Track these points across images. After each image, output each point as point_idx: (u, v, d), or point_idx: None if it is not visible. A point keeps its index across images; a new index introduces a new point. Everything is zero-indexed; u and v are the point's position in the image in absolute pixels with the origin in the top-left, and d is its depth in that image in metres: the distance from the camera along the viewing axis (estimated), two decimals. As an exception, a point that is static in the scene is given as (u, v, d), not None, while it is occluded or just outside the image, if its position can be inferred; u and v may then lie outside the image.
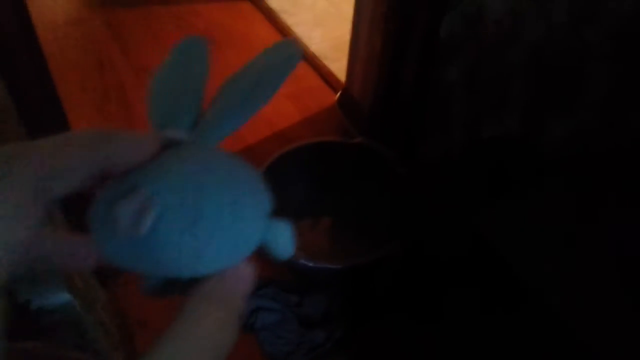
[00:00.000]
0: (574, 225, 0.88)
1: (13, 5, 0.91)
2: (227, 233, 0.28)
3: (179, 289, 0.28)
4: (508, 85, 1.02)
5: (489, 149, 1.08)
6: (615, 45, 0.82)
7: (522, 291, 0.93)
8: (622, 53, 0.81)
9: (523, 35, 0.97)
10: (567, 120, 0.91)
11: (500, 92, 1.04)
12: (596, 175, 0.85)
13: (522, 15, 0.97)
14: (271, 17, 2.00)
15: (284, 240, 0.31)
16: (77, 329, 0.69)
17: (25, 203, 0.19)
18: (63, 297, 0.64)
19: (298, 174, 1.32)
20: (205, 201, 0.28)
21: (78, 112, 1.59)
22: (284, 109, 1.68)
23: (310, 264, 1.09)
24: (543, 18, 0.92)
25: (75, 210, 0.37)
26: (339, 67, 1.74)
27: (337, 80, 1.73)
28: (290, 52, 0.33)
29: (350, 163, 1.34)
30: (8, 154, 0.20)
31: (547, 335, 0.88)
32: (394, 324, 1.14)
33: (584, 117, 0.88)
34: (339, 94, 1.66)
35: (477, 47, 1.08)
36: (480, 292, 1.04)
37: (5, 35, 0.89)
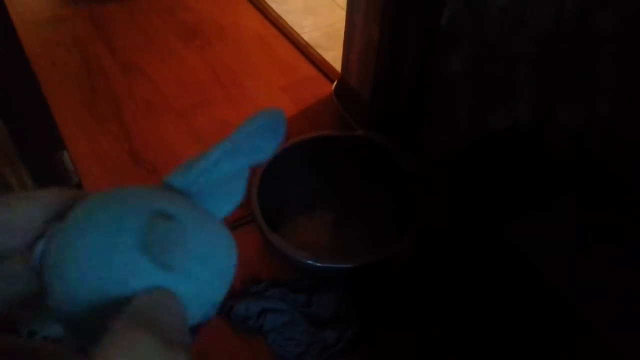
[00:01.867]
0: (597, 229, 0.86)
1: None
2: None
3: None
4: (515, 74, 0.99)
5: (497, 139, 1.06)
6: (629, 30, 0.79)
7: (550, 299, 0.91)
8: (636, 38, 0.78)
9: (530, 21, 0.94)
10: (578, 110, 0.89)
11: (507, 80, 1.01)
12: (619, 170, 0.83)
13: (529, 1, 0.93)
14: (261, 7, 1.94)
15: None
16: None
17: None
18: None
19: (299, 170, 1.29)
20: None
21: (66, 112, 1.54)
22: (279, 101, 1.65)
23: (319, 265, 1.07)
24: (551, 3, 0.89)
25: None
26: (333, 56, 1.70)
27: (333, 70, 1.69)
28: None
29: (352, 157, 1.31)
30: None
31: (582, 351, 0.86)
32: (406, 322, 1.12)
33: (596, 107, 0.86)
34: (335, 84, 1.62)
35: (480, 34, 1.05)
36: (500, 297, 1.02)
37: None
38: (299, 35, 1.83)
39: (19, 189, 0.98)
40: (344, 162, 1.31)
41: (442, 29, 1.12)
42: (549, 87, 0.95)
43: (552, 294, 0.87)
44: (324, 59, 1.74)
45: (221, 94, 1.64)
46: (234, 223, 1.24)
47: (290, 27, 1.86)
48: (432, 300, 1.13)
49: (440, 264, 1.14)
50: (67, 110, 1.54)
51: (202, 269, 0.29)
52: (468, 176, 1.11)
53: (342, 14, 1.48)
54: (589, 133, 0.88)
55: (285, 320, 1.12)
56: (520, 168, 1.00)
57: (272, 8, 1.93)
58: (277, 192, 1.22)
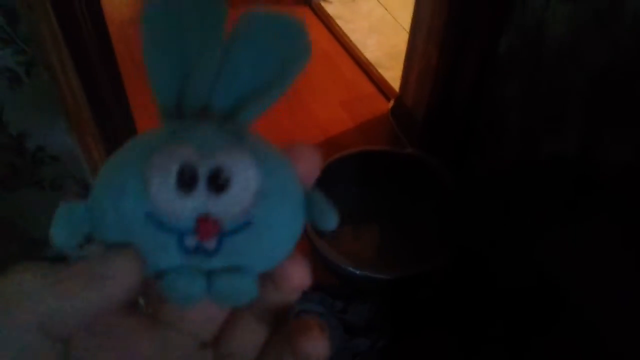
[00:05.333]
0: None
1: (89, 8, 0.95)
2: (293, 208, 0.27)
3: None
4: (567, 104, 1.01)
5: (544, 166, 1.08)
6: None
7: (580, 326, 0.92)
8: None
9: (584, 55, 0.96)
10: (626, 143, 0.90)
11: (559, 109, 1.04)
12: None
13: (585, 35, 0.96)
14: (329, 23, 2.03)
15: (324, 207, 0.28)
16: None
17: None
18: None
19: (348, 182, 1.34)
20: (287, 180, 0.27)
21: (145, 111, 1.66)
22: (337, 116, 1.71)
23: (358, 272, 1.12)
24: (607, 38, 0.91)
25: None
26: (393, 75, 1.76)
27: (391, 89, 1.74)
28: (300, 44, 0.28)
29: (400, 173, 1.36)
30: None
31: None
32: (436, 337, 1.15)
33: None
34: (392, 102, 1.68)
35: (535, 64, 1.08)
36: (535, 320, 1.03)
37: (82, 36, 0.93)
38: (362, 53, 1.90)
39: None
40: (392, 177, 1.36)
41: (499, 57, 1.16)
42: (598, 120, 0.96)
43: (576, 313, 0.88)
44: (383, 78, 1.80)
45: (282, 105, 1.72)
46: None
47: (354, 45, 1.94)
48: (462, 310, 1.15)
49: (473, 280, 1.16)
50: (141, 109, 1.67)
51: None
52: (510, 200, 1.13)
53: (405, 36, 1.53)
54: (637, 165, 0.89)
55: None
56: (563, 195, 1.01)
57: (339, 26, 2.02)
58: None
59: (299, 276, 0.25)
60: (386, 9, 2.13)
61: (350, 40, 1.95)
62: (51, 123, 0.67)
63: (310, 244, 1.16)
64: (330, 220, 0.27)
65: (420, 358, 1.13)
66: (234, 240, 0.25)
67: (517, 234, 1.12)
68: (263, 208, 0.26)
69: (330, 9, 2.10)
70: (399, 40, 1.88)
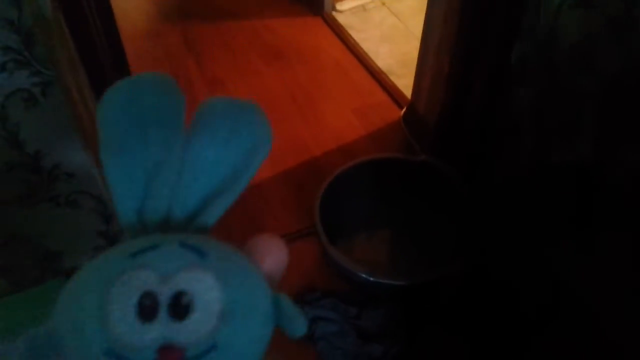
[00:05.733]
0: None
1: (104, 25, 0.98)
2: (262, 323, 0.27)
3: None
4: (581, 113, 1.01)
5: (557, 174, 1.07)
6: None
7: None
8: None
9: (598, 61, 0.96)
10: (641, 151, 0.89)
11: (573, 118, 1.03)
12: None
13: (598, 41, 0.95)
14: (340, 33, 2.04)
15: (292, 313, 0.28)
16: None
17: None
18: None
19: (361, 189, 1.35)
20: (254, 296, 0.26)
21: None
22: (350, 124, 1.72)
23: (371, 279, 1.12)
24: (620, 45, 0.90)
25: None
26: (405, 83, 1.76)
27: (403, 97, 1.75)
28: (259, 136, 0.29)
29: (413, 180, 1.36)
30: None
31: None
32: (450, 343, 1.14)
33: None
34: (404, 110, 1.68)
35: (548, 72, 1.07)
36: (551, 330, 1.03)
37: (97, 53, 0.95)
38: (373, 62, 1.91)
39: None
40: (405, 184, 1.36)
41: (511, 64, 1.16)
42: (613, 126, 0.95)
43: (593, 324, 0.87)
44: (395, 86, 1.80)
45: (296, 113, 1.74)
46: (295, 234, 1.31)
47: (366, 53, 1.94)
48: (475, 317, 1.14)
49: (487, 289, 1.15)
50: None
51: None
52: (523, 207, 1.12)
53: (416, 44, 1.54)
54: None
55: (335, 329, 1.17)
56: (578, 203, 1.01)
57: (351, 35, 2.03)
58: (339, 208, 1.29)
59: (277, 253, 0.26)
60: (397, 18, 2.14)
61: (362, 49, 1.96)
62: (66, 141, 0.68)
63: (323, 251, 1.17)
64: (299, 326, 0.27)
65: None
66: None
67: (530, 242, 1.11)
68: (228, 330, 0.24)
69: (341, 18, 2.11)
70: (411, 48, 1.88)
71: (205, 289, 0.24)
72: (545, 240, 1.07)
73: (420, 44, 1.50)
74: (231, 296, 0.24)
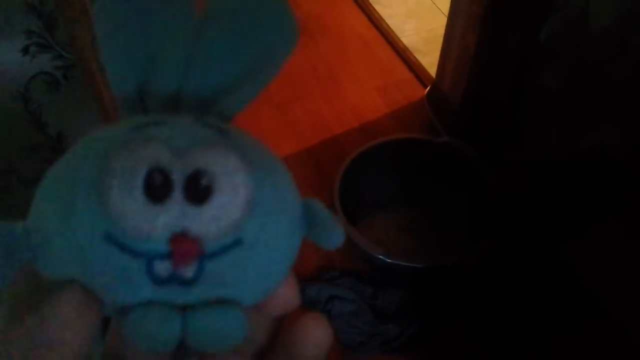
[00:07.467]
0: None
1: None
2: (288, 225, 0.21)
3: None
4: (611, 96, 0.98)
5: (583, 159, 1.05)
6: None
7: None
8: None
9: (631, 41, 0.92)
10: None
11: (602, 102, 1.00)
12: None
13: (631, 21, 0.92)
14: (366, 9, 2.00)
15: (327, 221, 0.23)
16: None
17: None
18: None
19: (382, 169, 1.34)
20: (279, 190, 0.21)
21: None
22: (372, 102, 1.70)
23: (389, 260, 1.12)
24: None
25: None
26: (430, 61, 1.72)
27: (428, 75, 1.71)
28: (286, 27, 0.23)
29: (434, 162, 1.34)
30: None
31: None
32: (466, 323, 1.14)
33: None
34: (428, 89, 1.65)
35: (579, 53, 1.04)
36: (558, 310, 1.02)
37: None
38: (398, 38, 1.87)
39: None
40: (426, 166, 1.35)
41: (540, 44, 1.12)
42: (643, 113, 0.93)
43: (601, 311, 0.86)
44: (420, 64, 1.77)
45: (318, 89, 1.73)
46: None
47: (391, 30, 1.91)
48: (494, 303, 1.15)
49: (507, 274, 1.15)
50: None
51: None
52: (548, 194, 1.11)
53: (443, 21, 1.50)
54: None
55: (352, 309, 1.18)
56: (604, 191, 0.99)
57: (376, 10, 1.99)
58: (359, 188, 1.29)
59: (287, 298, 0.21)
60: (425, -8, 2.08)
61: (388, 25, 1.92)
62: (88, 124, 0.69)
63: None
64: (335, 236, 0.22)
65: (451, 345, 1.14)
66: (218, 265, 0.19)
67: (553, 229, 1.09)
68: (255, 223, 0.20)
69: (368, -8, 2.07)
70: (437, 25, 1.84)
71: (229, 170, 0.19)
72: (569, 228, 1.05)
73: (447, 20, 1.47)
74: (259, 183, 0.20)
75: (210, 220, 0.19)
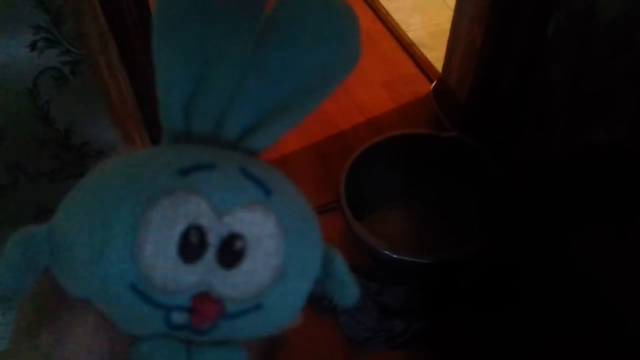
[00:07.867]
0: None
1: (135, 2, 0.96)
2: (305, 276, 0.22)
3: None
4: (618, 91, 0.97)
5: (590, 154, 1.04)
6: None
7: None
8: None
9: (637, 39, 0.92)
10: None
11: (609, 97, 0.99)
12: None
13: (638, 19, 0.91)
14: (371, 2, 2.00)
15: (346, 279, 0.23)
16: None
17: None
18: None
19: (388, 164, 1.34)
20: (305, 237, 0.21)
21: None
22: (378, 96, 1.70)
23: (395, 256, 1.12)
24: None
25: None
26: (436, 56, 1.72)
27: (434, 70, 1.71)
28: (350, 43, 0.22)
29: (441, 157, 1.34)
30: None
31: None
32: (471, 318, 1.14)
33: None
34: (434, 83, 1.65)
35: (585, 47, 1.03)
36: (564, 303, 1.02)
37: (128, 27, 0.94)
38: (404, 33, 1.86)
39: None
40: (432, 161, 1.34)
41: (547, 38, 1.12)
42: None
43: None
44: (426, 58, 1.76)
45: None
46: (319, 208, 1.32)
47: (397, 24, 1.90)
48: (500, 299, 1.14)
49: (512, 270, 1.15)
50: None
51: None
52: (554, 189, 1.10)
53: (449, 15, 1.49)
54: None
55: (357, 304, 1.18)
56: (611, 187, 0.98)
57: (382, 5, 1.98)
58: (365, 183, 1.28)
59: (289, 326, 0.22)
60: (431, -14, 2.07)
61: (394, 20, 1.92)
62: (96, 119, 0.70)
63: (347, 226, 1.17)
64: (350, 295, 0.23)
65: (456, 341, 1.14)
66: (233, 324, 0.20)
67: (559, 225, 1.09)
68: (279, 290, 0.20)
69: (373, -13, 2.06)
70: (443, 19, 1.83)
71: (264, 236, 0.19)
72: (575, 223, 1.05)
73: (453, 16, 1.46)
74: (290, 250, 0.20)
75: (237, 285, 0.19)
